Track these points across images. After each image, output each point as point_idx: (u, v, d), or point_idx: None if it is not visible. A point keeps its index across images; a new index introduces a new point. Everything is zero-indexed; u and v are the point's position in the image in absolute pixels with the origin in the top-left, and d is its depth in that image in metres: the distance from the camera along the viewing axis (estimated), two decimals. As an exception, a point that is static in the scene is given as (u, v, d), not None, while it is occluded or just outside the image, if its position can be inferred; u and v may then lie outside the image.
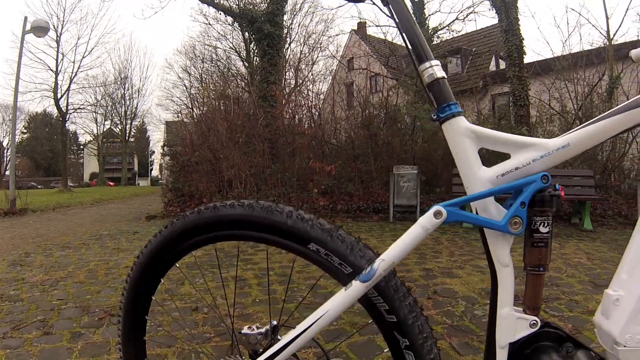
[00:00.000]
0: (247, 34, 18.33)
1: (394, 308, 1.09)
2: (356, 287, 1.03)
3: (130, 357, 1.45)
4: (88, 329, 3.04)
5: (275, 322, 1.30)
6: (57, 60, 31.48)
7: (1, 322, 3.19)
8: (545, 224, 1.01)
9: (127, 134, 53.26)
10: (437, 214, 1.00)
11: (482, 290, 3.86)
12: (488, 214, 1.04)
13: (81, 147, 68.77)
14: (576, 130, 0.99)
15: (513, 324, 1.02)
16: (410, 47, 1.12)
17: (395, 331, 1.10)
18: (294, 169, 9.86)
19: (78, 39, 44.55)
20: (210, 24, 27.16)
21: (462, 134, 1.08)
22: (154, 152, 69.38)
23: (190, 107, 13.61)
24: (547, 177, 1.00)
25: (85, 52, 38.77)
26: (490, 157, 1.56)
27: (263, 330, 1.28)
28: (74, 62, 33.51)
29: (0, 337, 2.89)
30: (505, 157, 1.06)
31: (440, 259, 5.24)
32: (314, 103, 11.69)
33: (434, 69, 1.09)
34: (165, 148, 10.24)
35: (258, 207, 1.15)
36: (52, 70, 31.52)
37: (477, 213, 1.05)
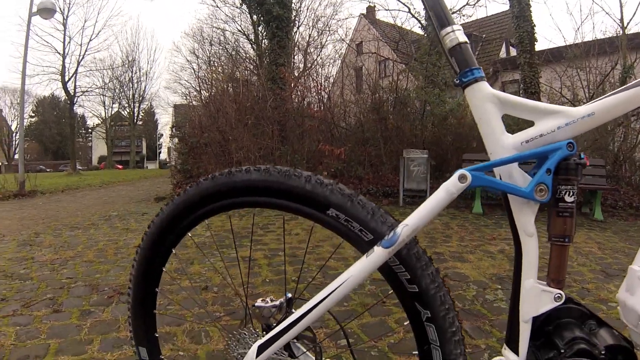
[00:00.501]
0: (255, 16, 18.17)
1: (416, 277, 1.05)
2: (378, 254, 0.99)
3: (140, 330, 1.43)
4: (97, 307, 3.03)
5: (290, 295, 1.27)
6: (64, 43, 31.52)
7: (11, 299, 3.19)
8: (571, 193, 0.96)
9: (135, 117, 53.31)
10: (462, 178, 0.95)
11: (492, 275, 3.83)
12: (513, 181, 1.00)
13: (89, 130, 68.89)
14: (602, 98, 0.95)
15: (537, 297, 0.98)
16: (431, 11, 1.08)
17: (417, 302, 1.06)
18: (304, 151, 9.81)
19: (85, 21, 44.67)
20: (218, 7, 27.05)
21: (486, 99, 1.03)
22: (162, 135, 69.58)
23: (199, 89, 13.52)
24: (572, 144, 0.95)
25: (92, 35, 38.90)
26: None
27: (277, 302, 1.25)
28: (81, 44, 33.57)
29: (10, 315, 2.89)
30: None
31: (450, 243, 5.20)
32: (323, 86, 11.59)
33: (456, 33, 1.05)
34: (174, 130, 10.18)
35: (275, 172, 1.11)
36: (59, 53, 31.56)
37: (501, 179, 1.01)
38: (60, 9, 29.49)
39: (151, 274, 1.37)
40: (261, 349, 1.10)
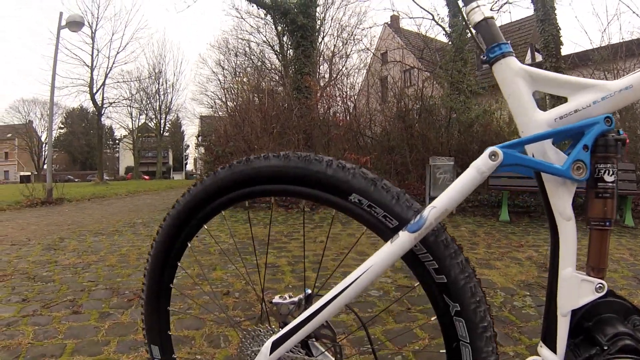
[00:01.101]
0: (280, 27, 18.24)
1: (444, 267, 0.97)
2: (403, 239, 0.92)
3: (153, 328, 1.37)
4: (117, 309, 2.99)
5: (309, 291, 1.20)
6: (92, 56, 32.17)
7: (32, 300, 3.18)
8: (610, 172, 0.89)
9: (162, 128, 53.94)
10: (493, 156, 0.88)
11: (520, 282, 3.70)
12: (547, 160, 0.92)
13: (117, 141, 69.85)
14: (640, 71, 0.86)
15: (576, 288, 0.90)
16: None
17: (445, 294, 0.98)
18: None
19: (112, 34, 45.62)
20: (242, 18, 27.23)
21: (515, 75, 0.97)
22: (188, 146, 70.08)
23: (225, 100, 13.57)
24: (610, 119, 0.89)
25: (119, 48, 39.59)
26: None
27: (296, 299, 1.18)
28: (108, 57, 34.21)
29: (30, 315, 2.87)
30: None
31: (477, 250, 5.08)
32: (348, 94, 11.55)
33: (482, 8, 1.00)
34: (200, 139, 10.22)
35: (295, 157, 1.05)
36: (87, 65, 32.21)
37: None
38: (88, 22, 30.17)
39: (166, 269, 1.31)
40: (275, 345, 1.03)
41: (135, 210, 10.58)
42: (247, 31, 27.98)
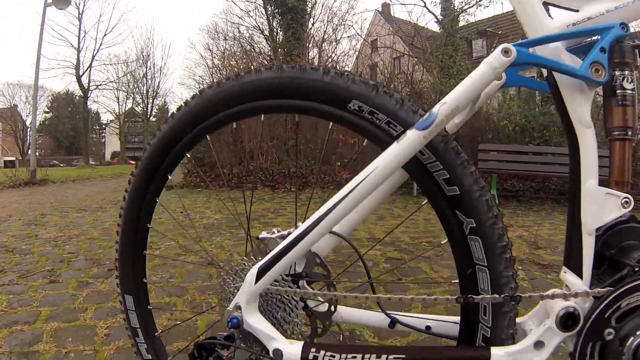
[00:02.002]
0: (270, 8, 18.02)
1: (456, 176, 0.88)
2: (411, 138, 0.82)
3: (128, 275, 1.26)
4: (96, 279, 2.89)
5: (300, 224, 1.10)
6: (79, 37, 31.73)
7: (9, 271, 3.07)
8: (629, 79, 0.82)
9: (149, 114, 53.38)
10: (506, 52, 0.79)
11: (522, 253, 3.68)
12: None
13: (103, 126, 69.09)
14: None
15: (601, 203, 0.82)
16: None
17: (458, 209, 0.89)
18: (317, 141, 9.64)
19: (100, 15, 44.82)
20: (233, 1, 26.90)
21: (525, -16, 0.88)
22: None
23: (212, 79, 13.37)
24: (625, 25, 0.81)
25: (107, 30, 39.05)
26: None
27: (285, 232, 1.09)
28: (95, 39, 33.79)
29: (5, 284, 2.76)
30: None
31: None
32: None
33: None
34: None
35: (289, 68, 0.96)
36: (74, 47, 31.73)
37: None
38: (75, 3, 29.70)
39: (144, 206, 1.21)
40: (262, 273, 0.94)
41: (120, 189, 10.36)
42: (237, 15, 27.63)
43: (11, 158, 48.94)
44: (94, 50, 33.12)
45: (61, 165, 48.97)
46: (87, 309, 2.36)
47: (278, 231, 1.08)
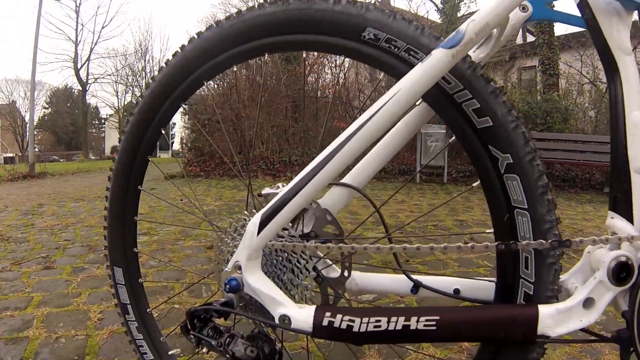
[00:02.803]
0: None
1: (488, 106, 0.77)
2: (438, 57, 0.71)
3: (117, 245, 1.17)
4: (92, 264, 2.80)
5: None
6: (76, 30, 31.49)
7: (2, 259, 2.96)
8: None
9: (149, 107, 53.03)
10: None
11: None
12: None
13: (102, 121, 68.83)
14: None
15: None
16: None
17: (491, 144, 0.78)
18: (318, 129, 9.53)
19: (97, 8, 44.58)
20: (231, -10, 26.65)
21: None
22: (175, 124, 69.12)
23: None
24: None
25: (104, 22, 38.79)
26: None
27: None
28: (93, 32, 33.61)
29: (-2, 271, 2.65)
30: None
31: (472, 213, 4.91)
32: (338, 63, 11.28)
33: None
34: (185, 107, 9.89)
35: (295, 0, 0.86)
36: (71, 40, 31.54)
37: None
38: (73, -6, 29.57)
39: (136, 167, 1.11)
40: (265, 222, 0.84)
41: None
42: (234, 5, 27.39)
43: (10, 155, 48.65)
44: (92, 43, 32.93)
45: (61, 160, 48.77)
46: (81, 294, 2.27)
47: (283, 186, 0.97)
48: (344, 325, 0.77)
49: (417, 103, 0.97)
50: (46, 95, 63.19)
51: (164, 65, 1.01)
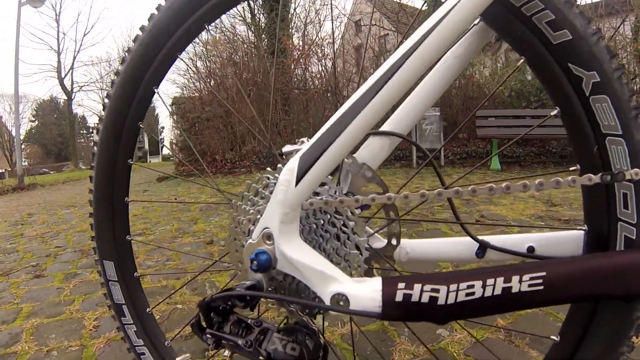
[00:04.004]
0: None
1: (564, 17, 0.62)
2: None
3: (105, 234, 0.99)
4: (85, 269, 2.62)
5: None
6: (58, 39, 31.17)
7: (-10, 271, 2.77)
8: None
9: (136, 112, 52.78)
10: None
11: (532, 216, 3.39)
12: None
13: (90, 130, 68.32)
14: None
15: None
16: None
17: (572, 62, 0.63)
18: (308, 120, 9.35)
19: (78, 15, 44.15)
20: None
21: None
22: (163, 128, 68.54)
23: (196, 68, 12.96)
24: None
25: (86, 30, 38.44)
26: None
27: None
28: (75, 40, 33.38)
29: (-16, 284, 2.47)
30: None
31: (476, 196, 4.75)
32: (325, 53, 11.11)
33: None
34: (173, 107, 9.66)
35: None
36: (54, 50, 31.25)
37: None
38: (52, 4, 29.25)
39: (124, 136, 0.93)
40: (304, 168, 0.67)
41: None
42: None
43: (0, 170, 48.23)
44: (75, 51, 32.75)
45: (51, 172, 48.20)
46: (74, 301, 2.09)
47: (308, 140, 0.79)
48: (425, 298, 0.59)
49: (475, 23, 0.80)
50: (32, 108, 62.67)
51: (156, 8, 0.84)
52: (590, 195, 0.69)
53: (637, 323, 0.66)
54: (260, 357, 0.64)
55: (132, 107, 0.90)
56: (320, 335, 0.69)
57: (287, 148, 0.80)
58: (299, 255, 0.67)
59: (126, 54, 0.90)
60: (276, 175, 0.73)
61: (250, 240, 0.72)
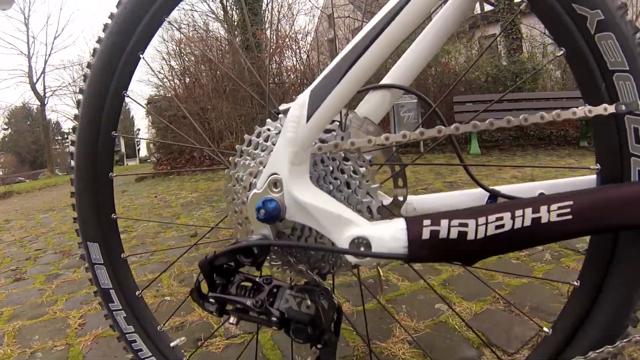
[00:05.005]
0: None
1: None
2: None
3: (89, 213, 0.93)
4: (67, 269, 2.55)
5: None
6: (28, 43, 30.60)
7: (-34, 279, 2.67)
8: None
9: (111, 115, 52.18)
10: None
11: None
12: None
13: (65, 136, 67.41)
14: None
15: None
16: None
17: (575, 2, 0.63)
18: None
19: (47, 18, 43.50)
20: (183, -12, 26.19)
21: None
22: (139, 130, 67.82)
23: (170, 66, 12.77)
24: None
25: (56, 33, 37.83)
26: None
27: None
28: (46, 43, 32.82)
29: (-40, 292, 2.37)
30: None
31: (459, 174, 4.75)
32: (300, 45, 11.06)
33: None
34: (149, 105, 9.51)
35: None
36: (24, 54, 30.69)
37: None
38: (20, 8, 28.77)
39: (108, 104, 0.88)
40: (316, 103, 0.63)
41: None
42: (189, 2, 26.90)
43: (-26, 181, 47.35)
44: (46, 55, 32.13)
45: (27, 180, 47.51)
46: (57, 301, 2.02)
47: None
48: (454, 234, 0.55)
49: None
50: (4, 116, 61.66)
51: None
52: (602, 134, 0.67)
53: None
54: (273, 318, 0.59)
55: (117, 71, 0.85)
56: (334, 296, 0.64)
57: (284, 106, 0.75)
58: (312, 199, 0.62)
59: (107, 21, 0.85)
60: (277, 125, 0.69)
61: (255, 191, 0.67)
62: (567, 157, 6.17)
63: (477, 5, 23.85)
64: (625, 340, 0.65)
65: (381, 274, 1.68)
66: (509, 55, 12.27)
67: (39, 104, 31.63)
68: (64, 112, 51.77)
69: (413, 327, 1.44)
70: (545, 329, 0.76)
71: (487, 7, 21.52)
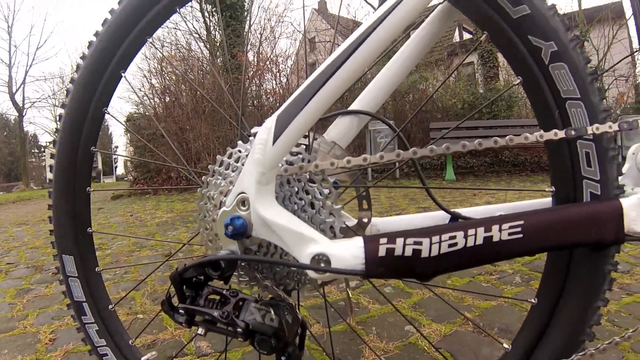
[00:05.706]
0: (207, 7, 17.60)
1: None
2: None
3: (65, 225, 0.95)
4: (39, 284, 2.52)
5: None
6: (9, 52, 30.30)
7: None
8: None
9: (89, 131, 51.65)
10: None
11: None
12: None
13: (42, 149, 66.49)
14: None
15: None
16: None
17: (532, 34, 0.70)
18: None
19: (31, 28, 43.23)
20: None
21: None
22: (117, 147, 67.13)
23: (150, 84, 12.74)
24: None
25: (39, 43, 37.59)
26: None
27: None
28: (28, 53, 32.53)
29: None
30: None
31: (431, 201, 4.81)
32: (280, 69, 11.16)
33: None
34: (127, 123, 9.48)
35: None
36: (5, 63, 30.40)
37: None
38: (4, 16, 28.60)
39: (89, 120, 0.92)
40: (282, 124, 0.69)
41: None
42: (172, 20, 26.98)
43: (-57, 192, 46.38)
44: (27, 65, 31.87)
45: (0, 193, 46.75)
46: (28, 316, 2.00)
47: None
48: (408, 251, 0.60)
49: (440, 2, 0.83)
50: (-20, 125, 60.72)
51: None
52: (556, 158, 0.73)
53: (609, 277, 0.71)
54: (238, 329, 0.63)
55: (98, 90, 0.88)
56: (298, 311, 0.67)
57: (255, 129, 0.79)
58: (276, 217, 0.66)
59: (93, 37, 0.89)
60: (247, 147, 0.73)
61: (224, 208, 0.71)
62: (541, 183, 6.31)
63: (456, 33, 24.32)
64: (580, 354, 0.69)
65: (350, 296, 1.71)
66: (485, 83, 12.56)
67: (17, 114, 31.16)
68: (42, 124, 51.11)
69: (382, 349, 1.47)
70: (505, 345, 0.79)
71: (466, 35, 21.98)
